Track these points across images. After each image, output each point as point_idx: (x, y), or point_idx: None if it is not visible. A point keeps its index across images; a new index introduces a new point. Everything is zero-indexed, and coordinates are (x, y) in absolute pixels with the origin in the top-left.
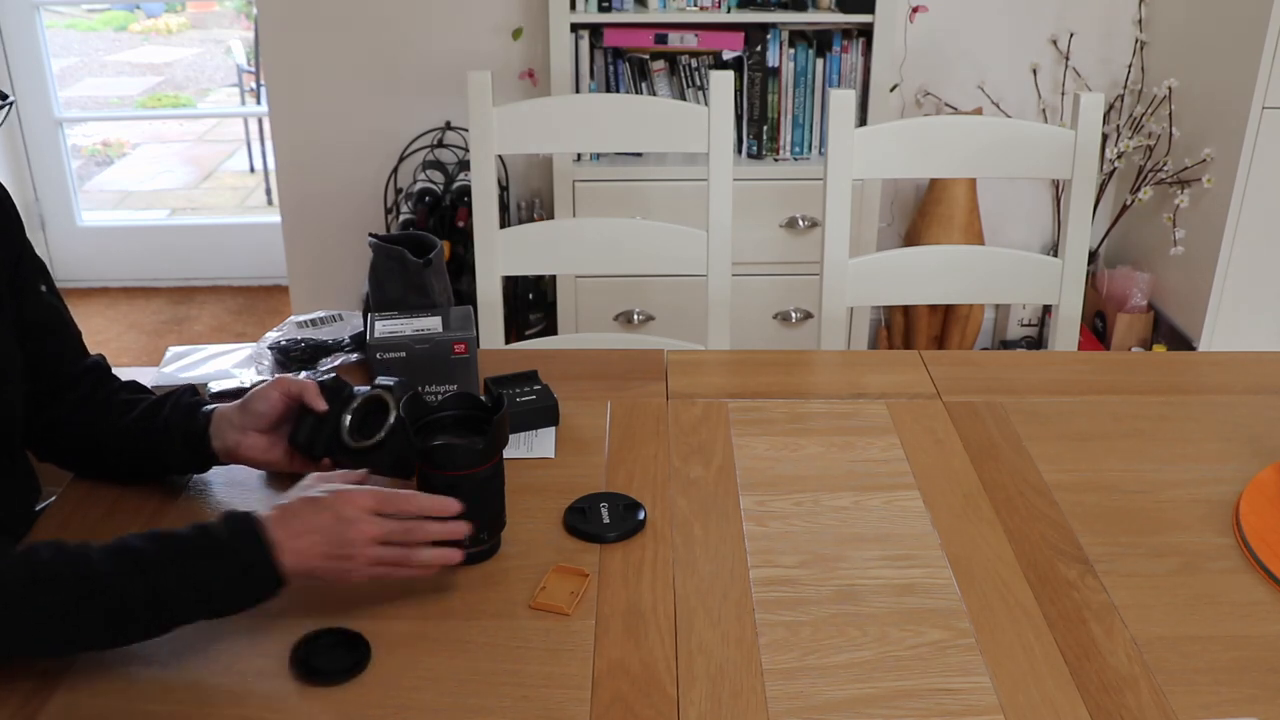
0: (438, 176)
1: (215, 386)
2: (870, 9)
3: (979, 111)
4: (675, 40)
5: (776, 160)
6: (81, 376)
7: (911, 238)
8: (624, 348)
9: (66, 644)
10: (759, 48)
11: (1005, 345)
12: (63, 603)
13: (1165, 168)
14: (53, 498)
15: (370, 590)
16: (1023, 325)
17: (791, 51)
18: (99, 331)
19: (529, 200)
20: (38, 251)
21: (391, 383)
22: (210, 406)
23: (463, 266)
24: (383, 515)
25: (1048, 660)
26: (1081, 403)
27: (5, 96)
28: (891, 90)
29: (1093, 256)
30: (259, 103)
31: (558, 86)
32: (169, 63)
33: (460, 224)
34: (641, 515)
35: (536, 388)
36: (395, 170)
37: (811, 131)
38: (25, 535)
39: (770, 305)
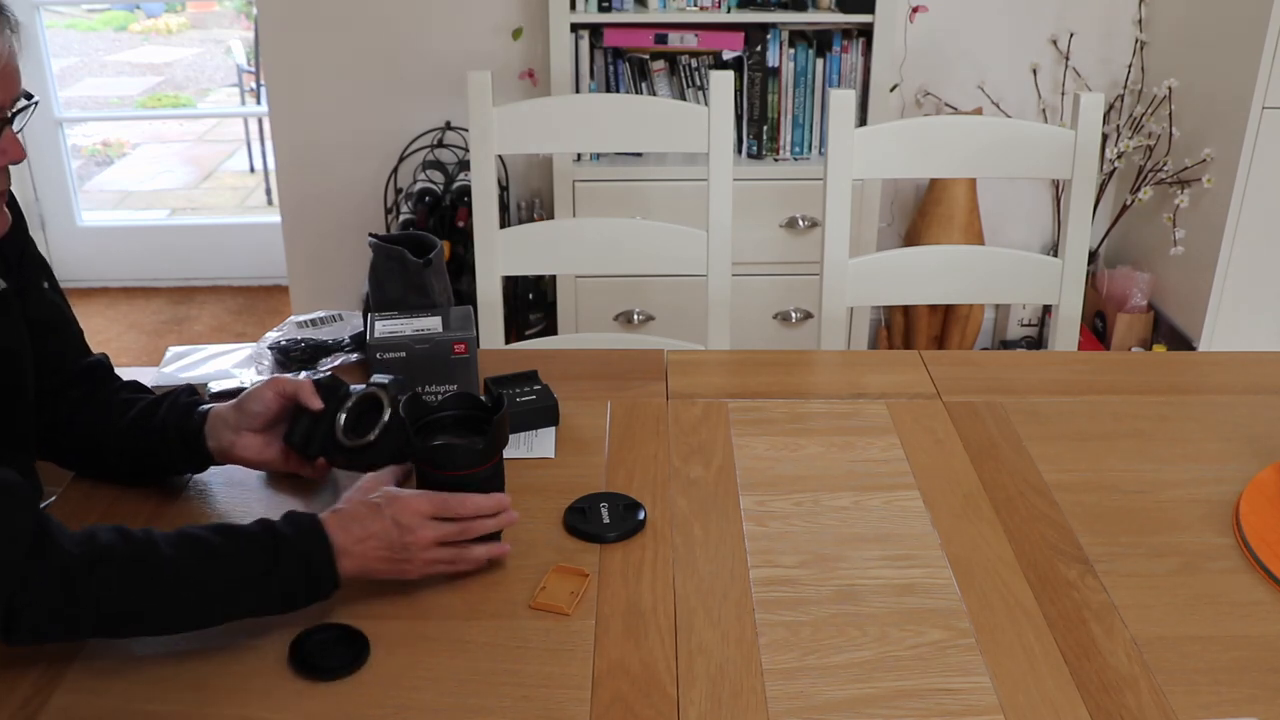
0: (438, 176)
1: (215, 386)
2: (870, 9)
3: (979, 111)
4: (675, 40)
5: (776, 160)
6: (83, 374)
7: (911, 238)
8: (624, 348)
9: (120, 629)
10: (759, 48)
11: (1005, 345)
12: (129, 584)
13: (1165, 168)
14: (53, 497)
15: (370, 589)
16: (1023, 325)
17: (791, 51)
18: (99, 331)
19: (529, 200)
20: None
21: (386, 380)
22: (206, 406)
23: (463, 266)
24: (439, 519)
25: (1048, 660)
26: (1081, 403)
27: (30, 96)
28: (891, 90)
29: (1093, 256)
30: (259, 103)
31: (558, 86)
32: (169, 63)
33: (460, 224)
34: (641, 515)
35: (536, 388)
36: (395, 170)
37: (811, 131)
38: None
39: (770, 305)
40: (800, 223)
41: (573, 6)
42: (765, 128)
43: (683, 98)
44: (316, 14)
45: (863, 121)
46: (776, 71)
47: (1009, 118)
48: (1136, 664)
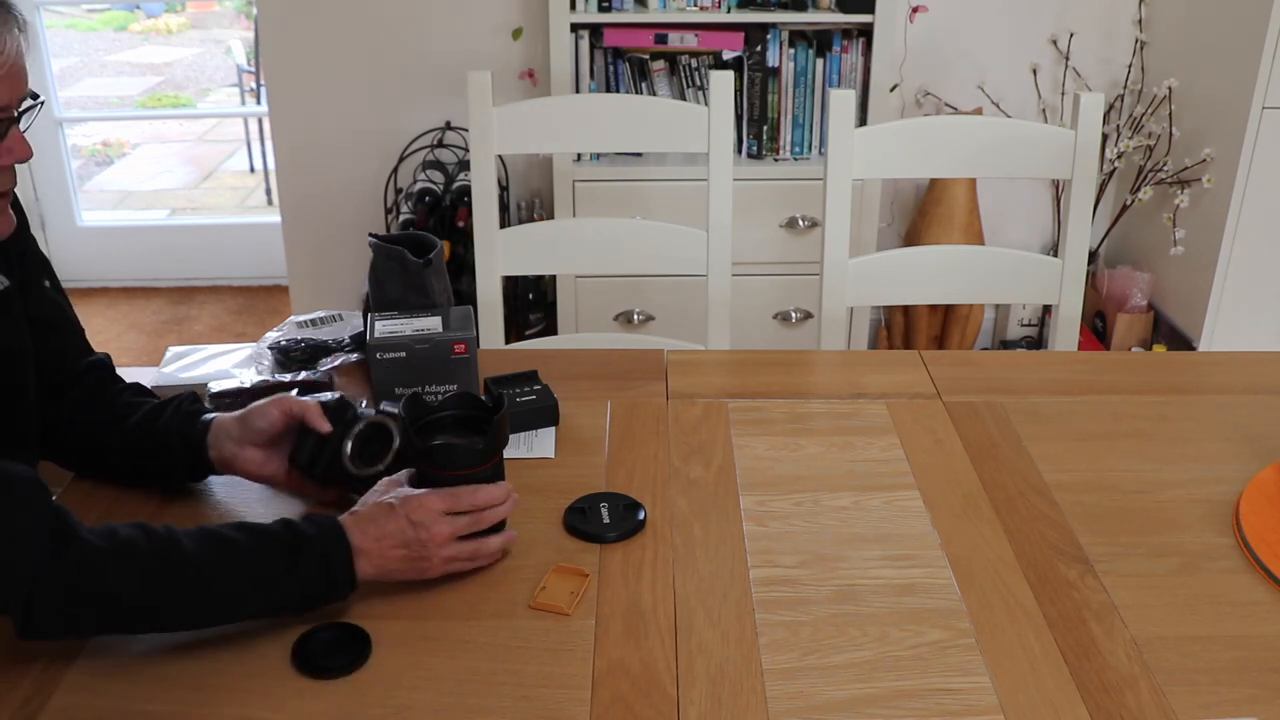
0: (438, 176)
1: (215, 386)
2: (870, 9)
3: (979, 111)
4: (675, 40)
5: (776, 160)
6: (84, 373)
7: (911, 238)
8: (624, 348)
9: (136, 624)
10: (759, 48)
11: (1005, 345)
12: (150, 579)
13: (1165, 168)
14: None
15: (370, 589)
16: (1023, 325)
17: (791, 51)
18: (99, 331)
19: (529, 200)
20: None
21: (395, 410)
22: (210, 415)
23: (463, 266)
24: (452, 514)
25: (1048, 660)
26: (1081, 403)
27: (36, 96)
28: (891, 90)
29: (1093, 256)
30: (259, 103)
31: (558, 86)
32: (169, 63)
33: (460, 224)
34: (641, 515)
35: (536, 388)
36: (395, 170)
37: (811, 131)
38: None
39: (770, 305)
40: (800, 223)
41: (573, 6)
42: (765, 128)
43: (683, 98)
44: (316, 14)
45: (863, 121)
46: (776, 71)
47: (1009, 118)
48: (1136, 664)
